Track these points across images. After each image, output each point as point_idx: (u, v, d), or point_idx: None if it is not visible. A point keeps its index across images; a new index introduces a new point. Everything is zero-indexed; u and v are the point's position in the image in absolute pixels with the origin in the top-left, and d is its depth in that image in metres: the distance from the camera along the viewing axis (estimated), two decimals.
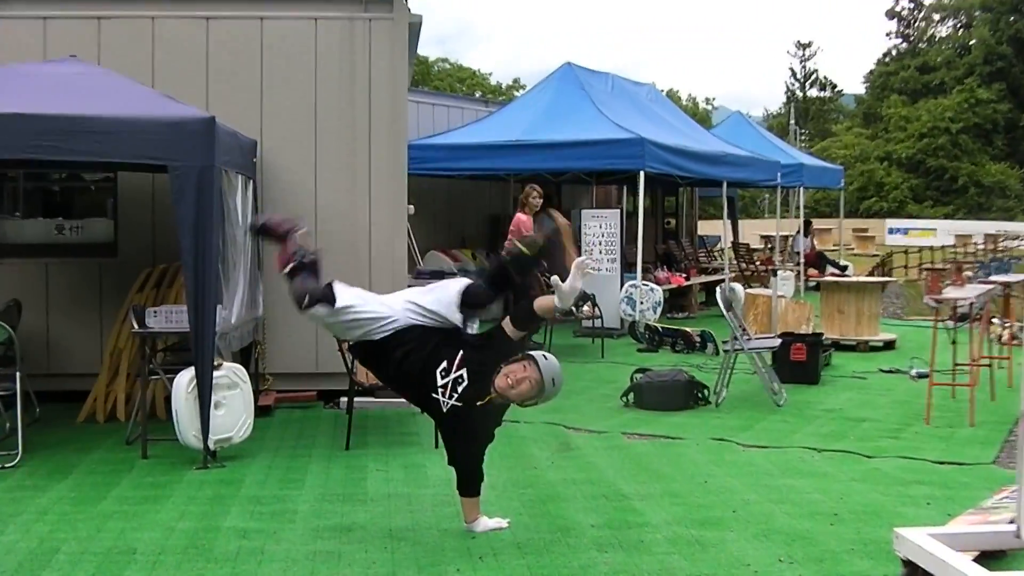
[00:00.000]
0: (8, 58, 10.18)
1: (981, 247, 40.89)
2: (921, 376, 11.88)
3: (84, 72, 9.13)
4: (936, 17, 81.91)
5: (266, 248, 10.43)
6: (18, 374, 8.42)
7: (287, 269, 6.38)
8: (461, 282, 6.52)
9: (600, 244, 16.49)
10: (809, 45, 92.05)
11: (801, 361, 12.17)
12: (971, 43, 76.61)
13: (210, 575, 5.79)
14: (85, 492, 7.51)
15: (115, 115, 8.03)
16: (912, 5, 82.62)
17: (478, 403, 6.13)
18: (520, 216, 14.60)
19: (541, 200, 14.91)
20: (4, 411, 9.17)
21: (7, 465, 8.17)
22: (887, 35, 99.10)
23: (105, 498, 7.35)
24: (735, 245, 25.78)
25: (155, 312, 8.76)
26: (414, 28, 11.31)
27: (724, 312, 11.05)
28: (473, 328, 6.82)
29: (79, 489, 7.60)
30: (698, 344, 14.86)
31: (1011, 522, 5.70)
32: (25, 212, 11.40)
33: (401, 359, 6.24)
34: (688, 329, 15.34)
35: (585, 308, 14.91)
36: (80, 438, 9.30)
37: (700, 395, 10.87)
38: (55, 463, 8.36)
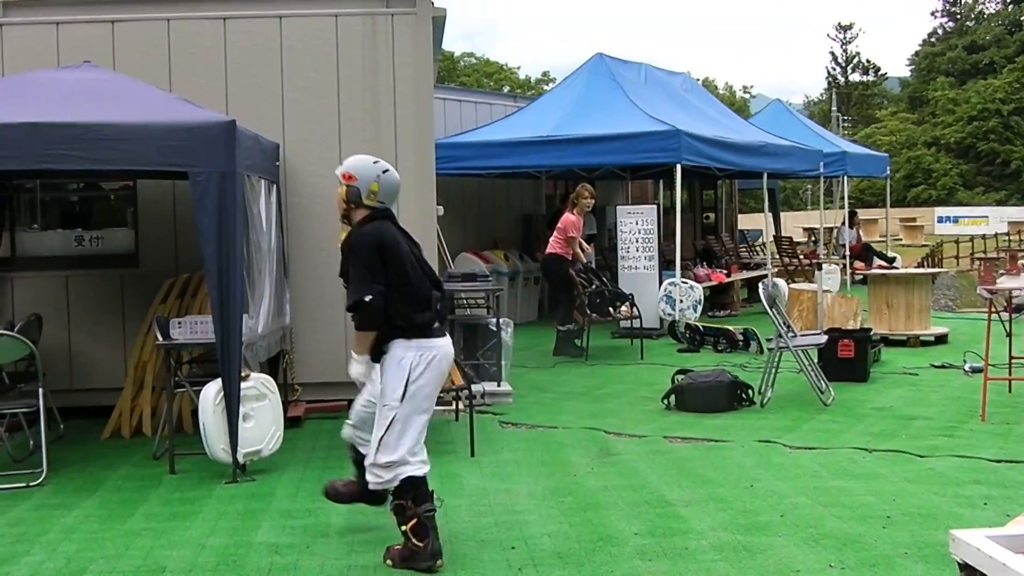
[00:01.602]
0: (20, 65, 10.30)
1: None
2: (975, 371, 11.82)
3: (99, 78, 9.22)
4: None
5: (292, 254, 10.53)
6: (40, 390, 8.50)
7: None
8: None
9: (637, 241, 16.47)
10: (850, 27, 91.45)
11: (849, 358, 12.13)
12: (1022, 19, 75.98)
13: None
14: (112, 509, 7.58)
15: (132, 121, 8.09)
16: None
17: None
18: (569, 216, 14.66)
19: (593, 201, 14.96)
20: (27, 428, 9.28)
21: (32, 483, 8.24)
22: (932, 14, 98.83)
23: (133, 515, 7.41)
24: (777, 239, 25.71)
25: (179, 323, 8.82)
26: (438, 22, 11.34)
27: (767, 309, 11.03)
28: None
29: (106, 506, 7.67)
30: (741, 343, 14.83)
31: None
32: (43, 224, 11.49)
33: None
34: (730, 327, 15.32)
35: (623, 308, 14.93)
36: (106, 454, 9.38)
37: (744, 396, 10.86)
38: (81, 480, 8.44)
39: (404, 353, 6.18)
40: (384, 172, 6.49)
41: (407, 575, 6.03)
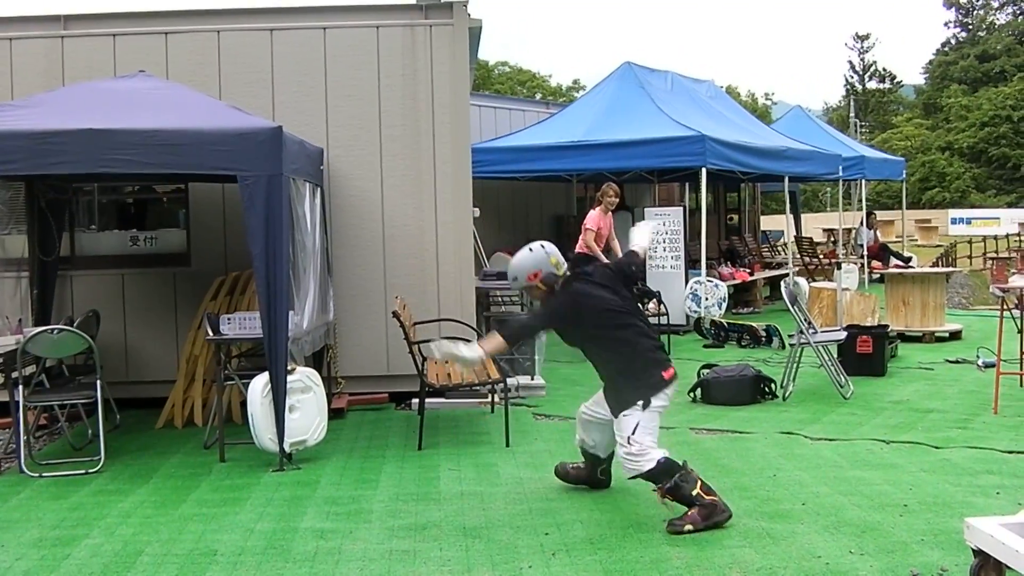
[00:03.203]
0: (80, 75, 10.37)
1: None
2: (988, 366, 11.72)
3: (153, 86, 9.24)
4: (995, 5, 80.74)
5: (335, 254, 10.54)
6: (98, 382, 8.52)
7: None
8: None
9: (664, 242, 16.43)
10: (867, 37, 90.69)
11: (867, 353, 12.06)
12: None
13: (289, 575, 5.86)
14: (166, 495, 7.62)
15: (184, 127, 8.11)
16: None
17: None
18: (594, 213, 14.64)
19: (617, 199, 14.93)
20: (86, 418, 9.33)
21: (91, 470, 8.30)
22: (945, 24, 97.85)
23: (185, 501, 7.45)
24: (798, 239, 25.58)
25: (229, 319, 8.85)
26: (474, 33, 11.34)
27: (789, 306, 10.98)
28: None
29: (160, 492, 7.71)
30: (764, 339, 14.77)
31: None
32: (100, 225, 11.57)
33: None
34: (753, 324, 15.25)
35: (651, 305, 14.88)
36: (159, 443, 9.43)
37: (767, 389, 10.81)
38: (136, 468, 8.49)
39: None
40: (543, 247, 7.09)
41: (459, 555, 6.04)
